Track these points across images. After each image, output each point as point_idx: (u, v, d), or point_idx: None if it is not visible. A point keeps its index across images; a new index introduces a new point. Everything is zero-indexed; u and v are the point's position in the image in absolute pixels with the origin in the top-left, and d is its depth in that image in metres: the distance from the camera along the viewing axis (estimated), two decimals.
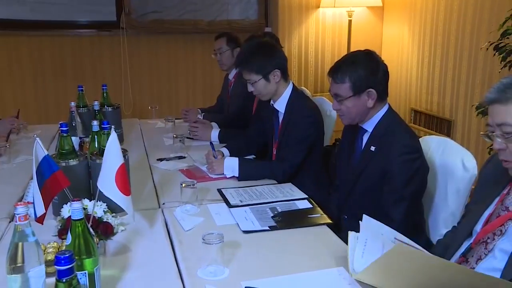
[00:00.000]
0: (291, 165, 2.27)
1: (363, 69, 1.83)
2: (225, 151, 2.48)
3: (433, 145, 1.99)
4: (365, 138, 1.93)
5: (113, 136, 1.47)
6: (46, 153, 1.45)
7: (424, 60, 4.16)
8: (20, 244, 1.09)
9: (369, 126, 1.91)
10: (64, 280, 0.81)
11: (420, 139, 2.08)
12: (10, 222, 1.72)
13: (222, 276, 1.37)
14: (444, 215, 1.88)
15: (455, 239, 1.48)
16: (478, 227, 1.40)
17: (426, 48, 4.12)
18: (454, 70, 3.79)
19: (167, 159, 2.48)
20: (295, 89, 2.41)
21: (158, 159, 2.49)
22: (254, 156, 2.56)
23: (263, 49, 2.38)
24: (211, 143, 2.50)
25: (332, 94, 1.91)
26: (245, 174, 2.20)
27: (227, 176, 2.22)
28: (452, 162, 1.86)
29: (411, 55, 4.34)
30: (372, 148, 1.86)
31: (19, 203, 1.09)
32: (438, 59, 3.98)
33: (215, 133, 2.87)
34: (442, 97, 3.96)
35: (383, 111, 1.89)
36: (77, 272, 1.13)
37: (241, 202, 1.90)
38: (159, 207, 1.91)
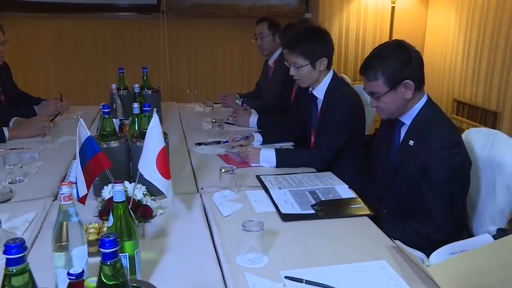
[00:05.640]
0: (328, 150, 2.22)
1: (394, 61, 1.73)
2: (258, 136, 2.45)
3: (481, 138, 1.90)
4: (403, 131, 1.84)
5: (155, 119, 1.46)
6: (89, 134, 1.45)
7: (471, 50, 3.99)
8: (64, 223, 1.10)
9: (407, 119, 1.82)
10: (108, 263, 0.80)
11: (466, 131, 2.00)
12: (54, 200, 1.76)
13: (261, 264, 1.35)
14: (491, 212, 1.80)
15: None
16: None
17: (473, 37, 3.95)
18: (504, 61, 3.62)
19: (206, 144, 2.48)
20: (335, 76, 2.34)
21: (196, 143, 2.48)
22: (293, 144, 2.52)
23: (316, 34, 2.29)
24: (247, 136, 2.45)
25: (368, 92, 1.83)
26: (283, 164, 2.17)
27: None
28: (502, 156, 1.77)
29: (457, 44, 4.17)
30: (411, 143, 1.77)
31: (63, 183, 1.10)
32: (486, 49, 3.81)
33: (253, 119, 2.85)
34: (488, 88, 3.80)
35: (422, 102, 1.79)
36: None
37: (280, 189, 1.88)
38: (197, 192, 1.90)
